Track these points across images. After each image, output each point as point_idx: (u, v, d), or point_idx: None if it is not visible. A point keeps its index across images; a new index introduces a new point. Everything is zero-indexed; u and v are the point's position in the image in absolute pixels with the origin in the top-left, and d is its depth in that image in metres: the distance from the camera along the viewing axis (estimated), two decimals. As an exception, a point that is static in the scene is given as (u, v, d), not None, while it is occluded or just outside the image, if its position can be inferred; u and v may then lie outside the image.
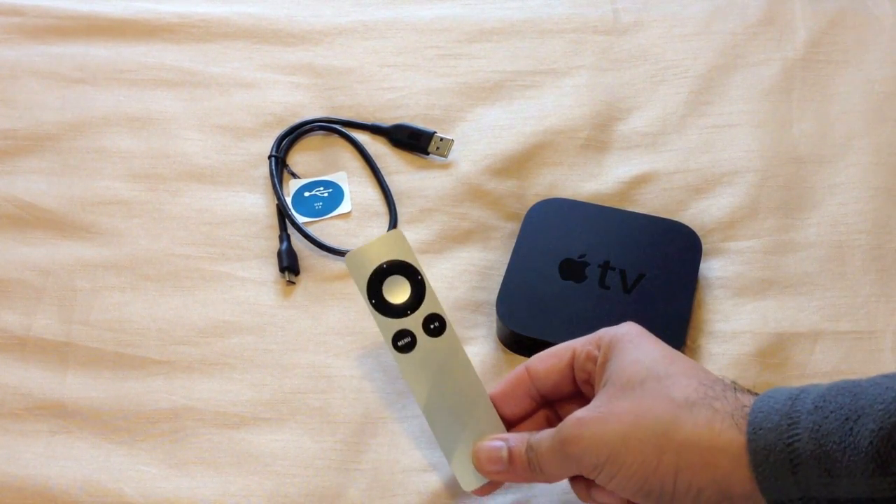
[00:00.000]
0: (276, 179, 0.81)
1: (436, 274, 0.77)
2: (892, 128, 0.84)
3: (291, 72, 0.89)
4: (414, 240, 0.78)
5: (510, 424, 0.65)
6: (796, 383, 0.70)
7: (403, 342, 0.65)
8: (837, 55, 0.89)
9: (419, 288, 0.66)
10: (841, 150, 0.83)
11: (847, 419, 0.51)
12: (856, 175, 0.81)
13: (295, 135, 0.84)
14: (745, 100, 0.86)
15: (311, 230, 0.78)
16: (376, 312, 0.65)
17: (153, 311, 0.75)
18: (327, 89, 0.87)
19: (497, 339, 0.74)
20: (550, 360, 0.63)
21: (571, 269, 0.74)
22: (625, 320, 0.71)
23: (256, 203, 0.81)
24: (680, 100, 0.87)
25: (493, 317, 0.74)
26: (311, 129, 0.85)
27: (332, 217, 0.80)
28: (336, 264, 0.77)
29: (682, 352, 0.71)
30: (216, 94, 0.87)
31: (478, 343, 0.74)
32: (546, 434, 0.60)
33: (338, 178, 0.82)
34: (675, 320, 0.71)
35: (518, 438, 0.62)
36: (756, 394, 0.56)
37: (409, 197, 0.81)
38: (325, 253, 0.77)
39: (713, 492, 0.54)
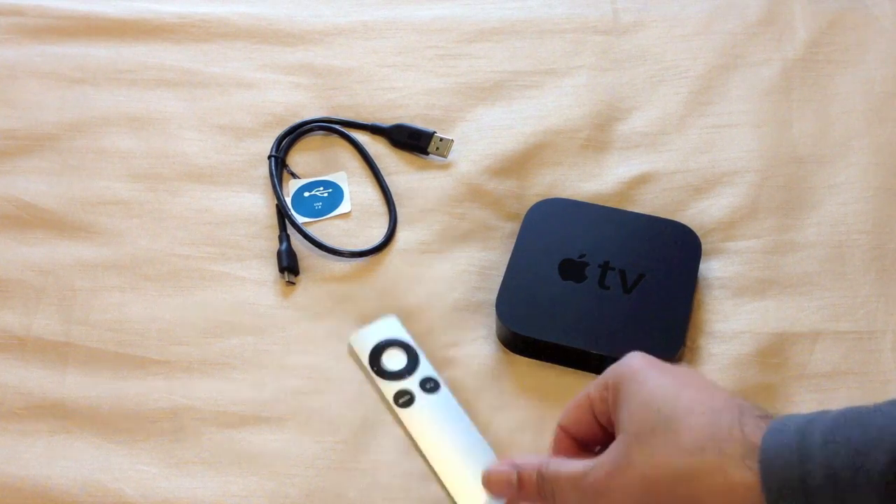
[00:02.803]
0: (275, 180, 0.81)
1: (436, 274, 0.77)
2: (892, 128, 0.84)
3: (291, 72, 0.89)
4: (414, 240, 0.78)
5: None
6: (796, 383, 0.71)
7: (403, 399, 0.70)
8: (837, 55, 0.89)
9: (414, 357, 0.72)
10: (841, 150, 0.83)
11: (857, 453, 0.51)
12: (856, 175, 0.81)
13: (295, 135, 0.84)
14: (745, 100, 0.86)
15: (310, 230, 0.78)
16: (377, 377, 0.71)
17: (153, 311, 0.75)
18: (327, 89, 0.87)
19: (497, 340, 0.74)
20: (576, 413, 0.62)
21: (571, 269, 0.74)
22: (625, 320, 0.71)
23: (256, 203, 0.81)
24: (680, 100, 0.87)
25: (493, 317, 0.74)
26: (311, 129, 0.85)
27: (331, 217, 0.80)
28: (336, 265, 0.77)
29: (682, 352, 0.71)
30: (216, 94, 0.87)
31: (478, 343, 0.74)
32: (570, 472, 0.59)
33: (337, 178, 0.82)
34: (674, 320, 0.71)
35: (527, 464, 0.61)
36: (766, 416, 0.55)
37: (409, 197, 0.81)
38: (325, 253, 0.77)
39: None
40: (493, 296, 0.74)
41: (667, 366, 0.59)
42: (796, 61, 0.89)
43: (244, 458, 0.68)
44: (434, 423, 0.69)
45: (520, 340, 0.72)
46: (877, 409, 0.53)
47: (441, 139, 0.83)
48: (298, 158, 0.84)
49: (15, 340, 0.73)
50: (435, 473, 0.67)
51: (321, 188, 0.81)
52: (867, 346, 0.73)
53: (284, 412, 0.70)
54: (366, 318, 0.74)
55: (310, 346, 0.73)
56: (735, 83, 0.87)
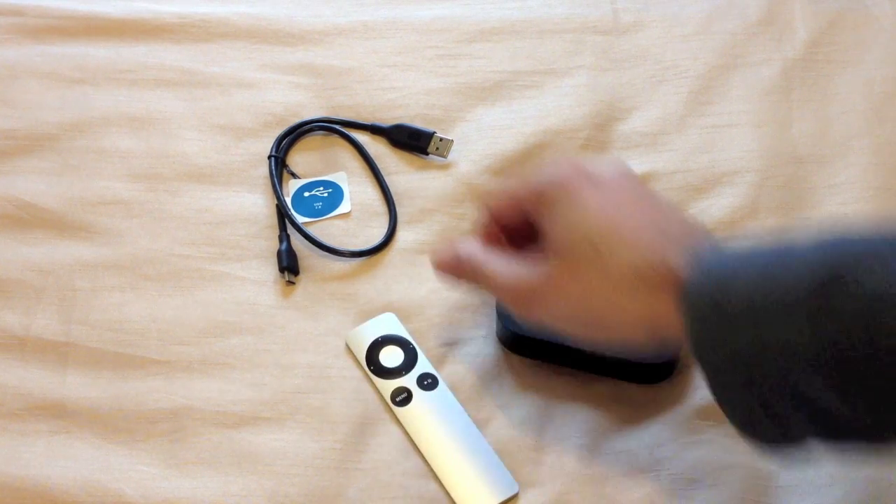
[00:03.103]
0: (275, 180, 0.81)
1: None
2: (892, 128, 0.84)
3: (291, 72, 0.89)
4: (414, 240, 0.78)
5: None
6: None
7: (401, 398, 0.70)
8: (837, 55, 0.89)
9: (412, 354, 0.72)
10: (841, 150, 0.83)
11: (778, 279, 0.52)
12: (856, 175, 0.81)
13: (295, 135, 0.84)
14: (745, 100, 0.86)
15: (311, 230, 0.78)
16: (374, 375, 0.71)
17: (153, 311, 0.75)
18: (327, 89, 0.87)
19: (497, 340, 0.74)
20: (507, 207, 0.66)
21: (571, 269, 0.74)
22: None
23: (256, 203, 0.81)
24: (680, 100, 0.87)
25: (493, 317, 0.73)
26: (311, 129, 0.85)
27: (331, 217, 0.80)
28: (336, 264, 0.77)
29: (682, 352, 0.71)
30: (216, 94, 0.87)
31: (478, 343, 0.73)
32: (501, 279, 0.63)
33: (337, 178, 0.82)
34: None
35: (467, 256, 0.65)
36: (695, 245, 0.57)
37: (409, 197, 0.81)
38: (325, 253, 0.77)
39: (646, 350, 0.62)
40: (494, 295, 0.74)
41: (602, 179, 0.61)
42: (796, 61, 0.89)
43: (244, 457, 0.68)
44: (432, 420, 0.69)
45: (520, 340, 0.72)
46: (801, 240, 0.55)
47: (441, 139, 0.83)
48: (298, 158, 0.84)
49: (15, 340, 0.73)
50: (433, 472, 0.67)
51: (321, 188, 0.81)
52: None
53: (284, 412, 0.70)
54: (365, 318, 0.74)
55: (309, 345, 0.73)
56: (735, 83, 0.87)
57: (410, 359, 0.72)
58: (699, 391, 0.71)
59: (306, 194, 0.81)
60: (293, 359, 0.73)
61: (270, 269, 0.77)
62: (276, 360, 0.73)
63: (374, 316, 0.74)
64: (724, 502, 0.66)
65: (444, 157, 0.82)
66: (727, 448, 0.68)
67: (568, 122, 0.85)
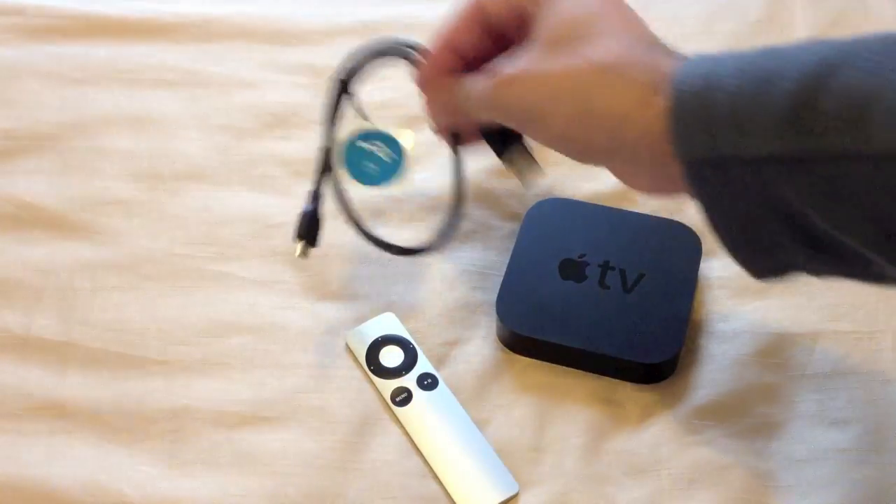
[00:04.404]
0: (332, 112, 0.69)
1: (436, 273, 0.77)
2: (892, 128, 0.84)
3: (291, 72, 0.89)
4: (414, 239, 0.78)
5: (464, 61, 0.67)
6: (796, 383, 0.71)
7: (401, 397, 0.70)
8: (837, 55, 0.89)
9: (412, 353, 0.72)
10: (841, 149, 0.83)
11: (766, 80, 0.52)
12: (856, 175, 0.81)
13: (374, 56, 0.69)
14: (744, 99, 0.86)
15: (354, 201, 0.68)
16: (374, 375, 0.71)
17: (153, 311, 0.75)
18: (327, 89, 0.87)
19: (497, 339, 0.74)
20: (466, 24, 0.66)
21: (571, 269, 0.74)
22: (625, 320, 0.71)
23: (256, 203, 0.81)
24: (680, 100, 0.86)
25: (493, 317, 0.74)
26: (397, 55, 0.71)
27: (382, 192, 0.67)
28: (336, 261, 0.77)
29: (682, 352, 0.71)
30: (216, 94, 0.87)
31: (478, 343, 0.74)
32: (480, 79, 0.64)
33: (404, 138, 0.67)
34: (674, 320, 0.71)
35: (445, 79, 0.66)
36: (683, 57, 0.58)
37: (410, 196, 0.81)
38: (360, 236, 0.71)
39: (628, 154, 0.58)
40: (493, 295, 0.74)
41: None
42: (796, 61, 0.88)
43: (244, 457, 0.68)
44: (432, 420, 0.69)
45: (520, 340, 0.72)
46: (796, 45, 0.54)
47: (528, 159, 0.69)
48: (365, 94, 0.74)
49: (15, 340, 0.73)
50: (433, 472, 0.67)
51: (381, 144, 0.66)
52: (867, 346, 0.72)
53: (284, 412, 0.70)
54: (365, 318, 0.74)
55: (309, 345, 0.73)
56: (735, 83, 0.87)
57: (410, 359, 0.72)
58: (699, 391, 0.71)
59: (363, 145, 0.66)
60: (293, 359, 0.73)
61: (270, 268, 0.77)
62: (276, 360, 0.73)
63: (374, 316, 0.74)
64: (724, 502, 0.66)
65: (522, 181, 0.70)
66: (727, 448, 0.68)
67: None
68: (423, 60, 0.68)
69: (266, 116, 0.86)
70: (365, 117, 0.71)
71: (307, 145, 0.84)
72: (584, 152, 0.61)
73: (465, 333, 0.74)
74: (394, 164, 0.70)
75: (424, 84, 0.69)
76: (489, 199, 0.81)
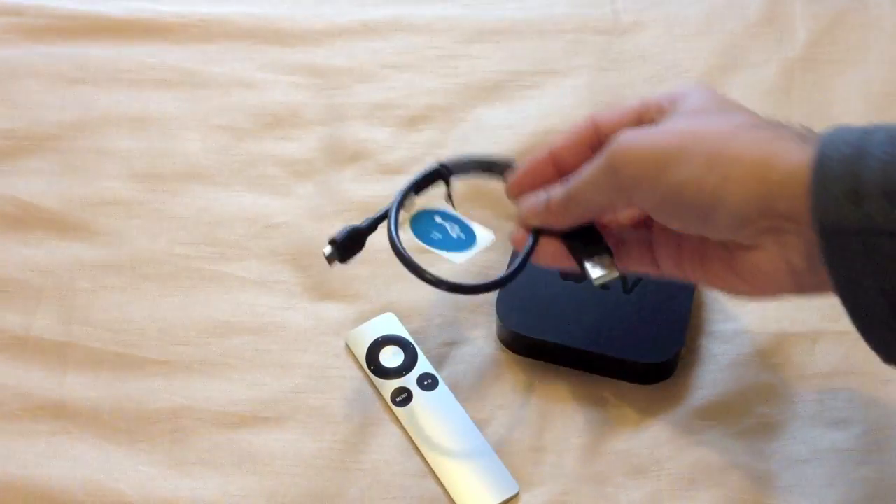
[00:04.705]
0: (420, 183, 0.68)
1: (435, 274, 0.76)
2: (892, 128, 0.84)
3: (291, 72, 0.89)
4: (414, 239, 0.78)
5: (559, 175, 0.63)
6: (796, 383, 0.71)
7: (401, 398, 0.70)
8: (837, 55, 0.89)
9: (412, 354, 0.72)
10: (841, 150, 0.83)
11: None
12: (856, 175, 0.81)
13: (480, 169, 0.70)
14: (745, 100, 0.84)
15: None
16: (374, 375, 0.71)
17: (153, 311, 0.75)
18: (327, 89, 0.87)
19: (497, 340, 0.74)
20: (618, 112, 0.61)
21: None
22: (625, 320, 0.71)
23: (256, 203, 0.81)
24: (680, 100, 0.86)
25: (493, 317, 0.74)
26: (499, 174, 0.69)
27: (436, 254, 0.67)
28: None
29: (682, 352, 0.71)
30: (216, 94, 0.87)
31: (478, 343, 0.74)
32: (588, 163, 0.59)
33: (483, 237, 0.67)
34: (674, 320, 0.71)
35: (554, 186, 0.62)
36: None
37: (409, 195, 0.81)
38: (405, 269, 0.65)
39: (754, 208, 0.53)
40: (493, 296, 0.74)
41: (674, 137, 0.56)
42: (796, 61, 0.89)
43: (244, 457, 0.68)
44: (432, 420, 0.69)
45: (520, 340, 0.72)
46: None
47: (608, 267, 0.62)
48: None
49: (15, 340, 0.73)
50: (433, 472, 0.67)
51: (457, 227, 0.68)
52: (867, 346, 0.72)
53: (284, 412, 0.70)
54: (365, 318, 0.74)
55: (309, 345, 0.73)
56: (735, 83, 0.87)
57: (410, 359, 0.72)
58: (699, 391, 0.71)
59: (437, 219, 0.68)
60: (293, 359, 0.73)
61: (270, 268, 0.77)
62: (276, 360, 0.73)
63: (374, 316, 0.74)
64: (724, 502, 0.66)
65: (597, 282, 0.62)
66: (727, 448, 0.68)
67: (568, 122, 0.84)
68: (522, 167, 0.65)
69: (266, 116, 0.86)
70: (453, 206, 0.70)
71: (307, 145, 0.84)
72: (698, 210, 0.55)
73: (465, 333, 0.74)
74: (459, 243, 0.68)
75: (517, 190, 0.64)
76: (489, 199, 0.81)
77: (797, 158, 0.52)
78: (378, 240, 0.67)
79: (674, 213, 0.56)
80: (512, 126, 0.84)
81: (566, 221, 0.62)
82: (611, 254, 0.62)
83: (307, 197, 0.81)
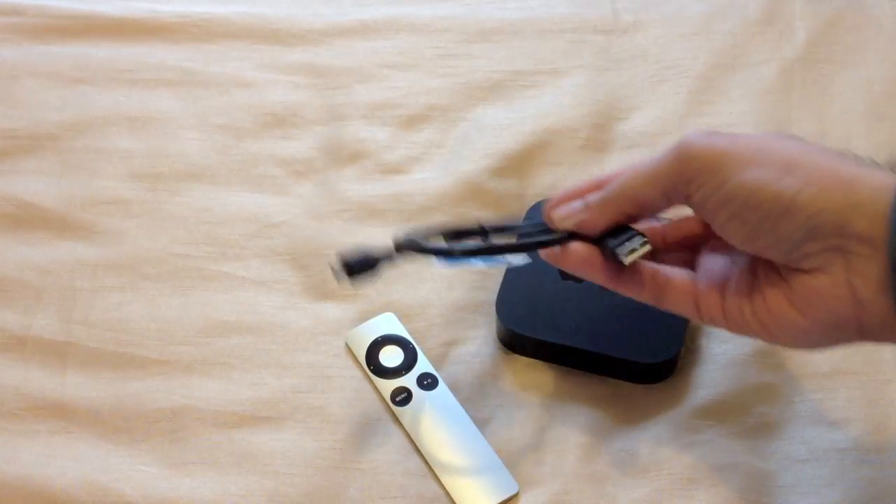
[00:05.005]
0: (458, 233, 0.65)
1: (435, 274, 0.77)
2: (892, 128, 0.84)
3: (291, 72, 0.89)
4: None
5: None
6: (796, 383, 0.71)
7: (401, 397, 0.70)
8: (837, 55, 0.89)
9: (412, 353, 0.72)
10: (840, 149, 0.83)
11: None
12: (856, 175, 0.81)
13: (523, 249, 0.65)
14: (745, 100, 0.86)
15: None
16: (374, 375, 0.71)
17: (153, 311, 0.75)
18: (327, 89, 0.87)
19: (497, 339, 0.74)
20: (644, 188, 0.57)
21: (571, 269, 0.74)
22: (625, 320, 0.71)
23: (256, 203, 0.81)
24: (680, 100, 0.87)
25: (493, 317, 0.74)
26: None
27: (466, 268, 0.72)
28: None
29: (682, 352, 0.71)
30: (216, 94, 0.87)
31: (478, 343, 0.74)
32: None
33: (516, 259, 0.69)
34: (674, 320, 0.71)
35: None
36: None
37: (410, 196, 0.81)
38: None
39: (830, 220, 0.49)
40: (493, 296, 0.74)
41: (749, 142, 0.53)
42: (796, 61, 0.89)
43: (244, 457, 0.68)
44: (432, 420, 0.69)
45: (520, 340, 0.72)
46: None
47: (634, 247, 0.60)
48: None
49: (15, 340, 0.73)
50: (433, 472, 0.67)
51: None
52: (867, 346, 0.72)
53: (284, 411, 0.70)
54: (365, 318, 0.74)
55: (309, 344, 0.73)
56: (735, 83, 0.87)
57: (410, 359, 0.72)
58: (699, 391, 0.71)
59: (474, 260, 0.64)
60: (293, 359, 0.73)
61: (270, 268, 0.77)
62: (276, 360, 0.73)
63: (374, 316, 0.75)
64: (724, 502, 0.66)
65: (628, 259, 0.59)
66: (727, 448, 0.68)
67: (568, 122, 0.85)
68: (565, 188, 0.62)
69: (266, 116, 0.86)
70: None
71: (306, 145, 0.84)
72: (767, 212, 0.51)
73: (465, 333, 0.74)
74: (490, 260, 0.66)
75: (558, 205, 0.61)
76: (489, 199, 0.81)
77: (882, 181, 0.49)
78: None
79: (737, 215, 0.52)
80: (512, 126, 0.85)
81: (604, 218, 0.58)
82: (643, 235, 0.58)
83: (307, 197, 0.81)
